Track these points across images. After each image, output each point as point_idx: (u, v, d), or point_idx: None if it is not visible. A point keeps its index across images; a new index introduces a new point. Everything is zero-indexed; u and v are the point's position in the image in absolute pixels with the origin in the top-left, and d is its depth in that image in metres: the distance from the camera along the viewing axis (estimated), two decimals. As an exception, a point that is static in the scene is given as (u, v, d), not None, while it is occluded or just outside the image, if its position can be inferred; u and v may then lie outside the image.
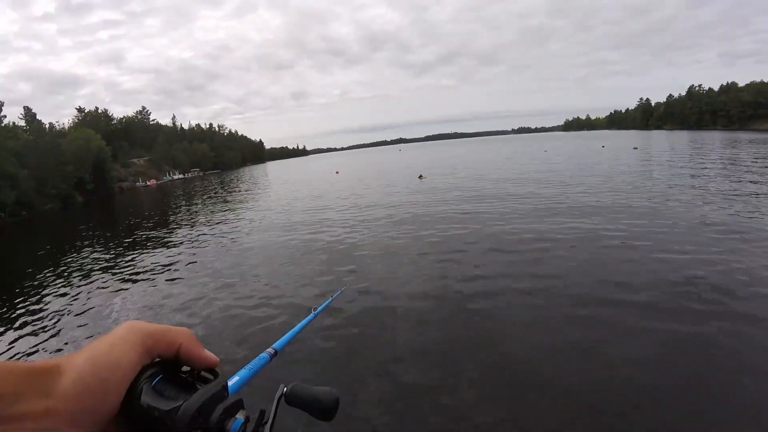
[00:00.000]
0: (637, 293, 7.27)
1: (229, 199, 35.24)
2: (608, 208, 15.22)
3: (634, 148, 48.99)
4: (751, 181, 18.72)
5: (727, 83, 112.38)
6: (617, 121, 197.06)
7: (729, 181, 19.17)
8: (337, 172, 56.18)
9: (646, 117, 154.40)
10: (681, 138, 70.68)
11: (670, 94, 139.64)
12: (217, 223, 21.36)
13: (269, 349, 0.98)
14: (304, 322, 1.34)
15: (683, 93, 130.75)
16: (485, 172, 35.38)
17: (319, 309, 1.61)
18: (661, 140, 68.44)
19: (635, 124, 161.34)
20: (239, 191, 42.22)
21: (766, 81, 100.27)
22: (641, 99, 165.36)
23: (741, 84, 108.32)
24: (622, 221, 12.67)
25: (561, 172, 29.02)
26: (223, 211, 26.30)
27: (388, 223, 16.18)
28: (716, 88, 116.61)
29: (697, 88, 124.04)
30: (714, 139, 60.12)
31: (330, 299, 1.93)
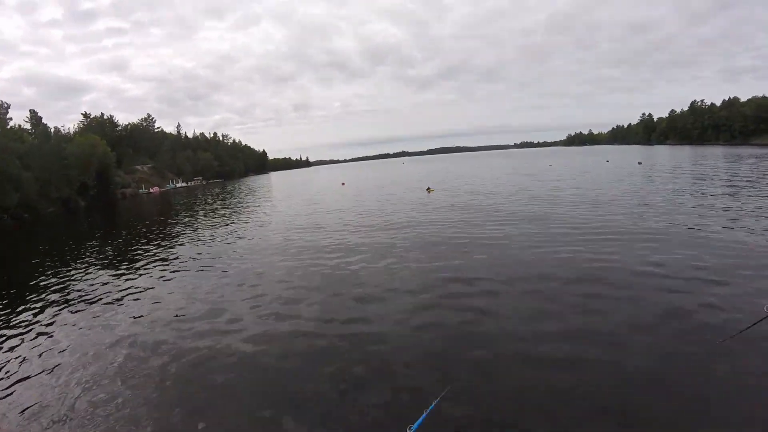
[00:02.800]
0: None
1: (233, 210, 34.90)
2: (604, 223, 15.85)
3: (639, 163, 48.78)
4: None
5: (729, 98, 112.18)
6: (620, 136, 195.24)
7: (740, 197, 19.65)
8: (343, 184, 56.04)
9: (648, 132, 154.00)
10: (684, 153, 70.69)
11: (672, 109, 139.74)
12: (218, 238, 20.28)
13: None
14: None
15: (685, 108, 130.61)
16: (491, 185, 35.23)
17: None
18: (665, 155, 68.26)
19: (638, 138, 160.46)
20: (243, 202, 41.96)
21: (767, 95, 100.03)
22: (643, 114, 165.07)
23: (743, 99, 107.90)
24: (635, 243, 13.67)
25: (568, 189, 28.30)
26: (225, 224, 25.38)
27: (400, 241, 16.10)
28: (718, 103, 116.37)
29: (699, 103, 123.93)
30: (717, 154, 59.96)
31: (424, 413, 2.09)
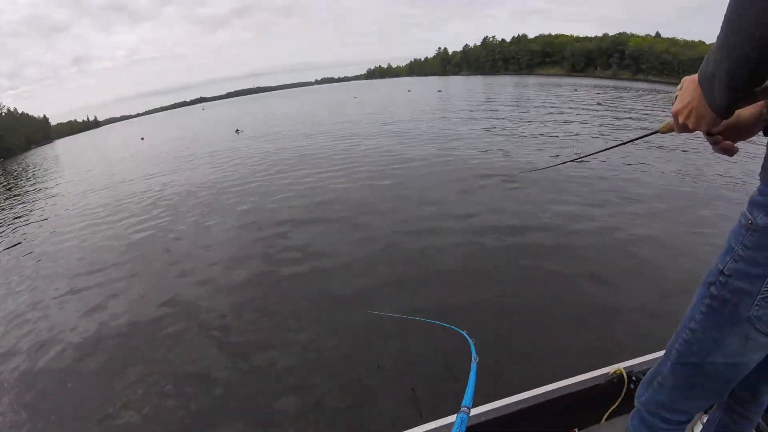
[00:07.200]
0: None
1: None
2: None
3: (438, 91, 54.99)
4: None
5: (518, 35, 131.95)
6: (417, 68, 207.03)
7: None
8: (142, 139, 48.30)
9: (444, 64, 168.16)
10: (477, 81, 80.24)
11: (467, 44, 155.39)
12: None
13: (463, 409, 0.89)
14: (473, 371, 1.27)
15: (478, 43, 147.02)
16: (298, 121, 34.79)
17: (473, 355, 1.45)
18: (460, 84, 76.43)
19: (434, 70, 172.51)
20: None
21: (553, 34, 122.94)
22: (439, 48, 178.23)
23: (531, 36, 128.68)
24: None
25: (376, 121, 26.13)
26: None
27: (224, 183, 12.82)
28: (508, 39, 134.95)
29: (491, 39, 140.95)
30: (506, 82, 69.37)
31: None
